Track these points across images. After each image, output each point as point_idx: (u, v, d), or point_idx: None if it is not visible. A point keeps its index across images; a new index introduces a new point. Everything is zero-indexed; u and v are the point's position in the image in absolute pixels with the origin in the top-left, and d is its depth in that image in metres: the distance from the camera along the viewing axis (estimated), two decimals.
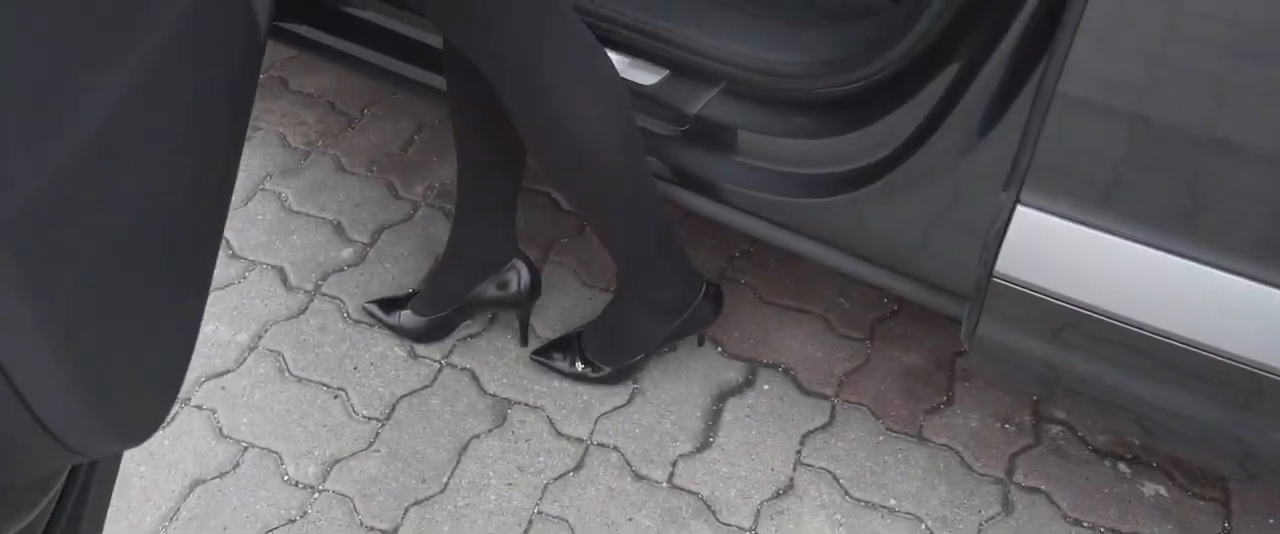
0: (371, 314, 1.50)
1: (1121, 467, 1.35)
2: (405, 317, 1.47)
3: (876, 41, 1.09)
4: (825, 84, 1.13)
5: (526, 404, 1.42)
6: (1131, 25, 0.81)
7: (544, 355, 1.46)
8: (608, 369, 1.42)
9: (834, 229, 1.18)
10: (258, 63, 1.03)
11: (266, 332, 1.51)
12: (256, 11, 0.98)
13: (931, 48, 1.04)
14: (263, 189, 1.71)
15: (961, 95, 0.99)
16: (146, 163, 0.71)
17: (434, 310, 1.44)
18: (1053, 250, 0.95)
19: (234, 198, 1.68)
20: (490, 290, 1.41)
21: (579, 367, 1.43)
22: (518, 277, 1.39)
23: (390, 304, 1.50)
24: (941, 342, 1.50)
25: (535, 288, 1.42)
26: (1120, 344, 0.96)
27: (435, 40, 1.37)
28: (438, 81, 1.39)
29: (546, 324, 1.52)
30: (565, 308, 1.54)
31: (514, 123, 1.16)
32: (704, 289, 1.38)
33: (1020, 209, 0.94)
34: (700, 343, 1.48)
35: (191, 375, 1.44)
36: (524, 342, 1.48)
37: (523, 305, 1.43)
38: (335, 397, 1.43)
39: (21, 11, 0.53)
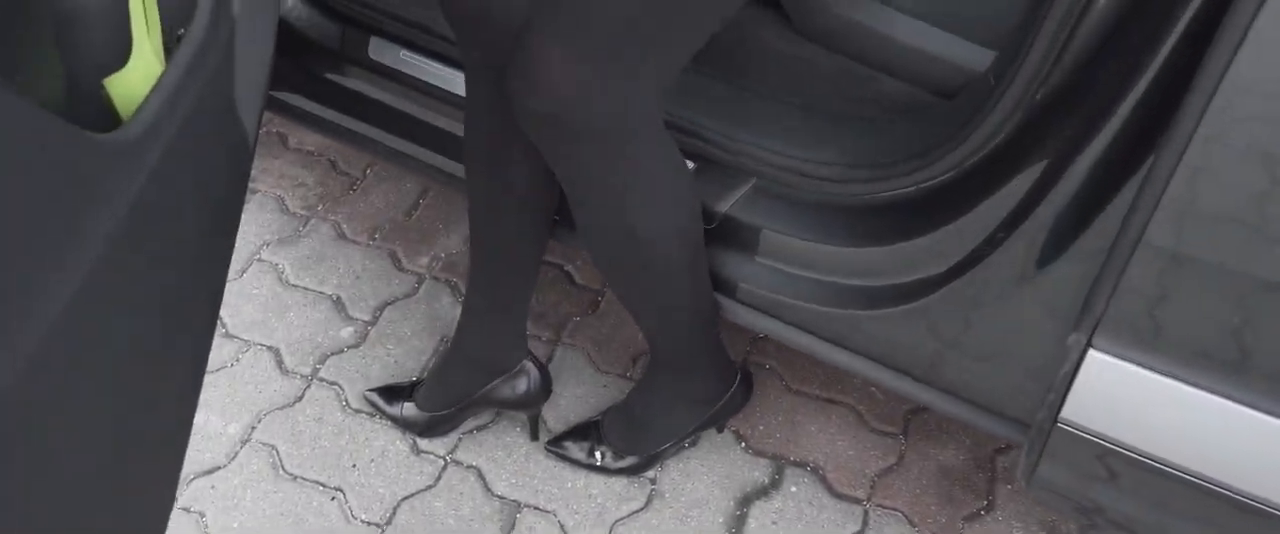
0: (372, 404, 1.41)
1: None
2: (408, 409, 1.38)
3: (922, 148, 0.99)
4: (865, 189, 1.03)
5: (537, 507, 1.33)
6: (1236, 171, 0.71)
7: (558, 446, 1.37)
8: (631, 459, 1.33)
9: (861, 341, 1.08)
10: (246, 172, 0.94)
11: (260, 422, 1.41)
12: (245, 125, 0.89)
13: (987, 161, 0.94)
14: (259, 259, 1.62)
15: (1024, 218, 0.89)
16: (112, 344, 0.63)
17: (438, 407, 1.35)
18: (1127, 399, 0.85)
19: (230, 269, 1.59)
20: (498, 391, 1.31)
21: (598, 456, 1.34)
22: (528, 379, 1.30)
23: (392, 393, 1.40)
24: (980, 438, 1.40)
25: (546, 389, 1.32)
26: (1200, 499, 0.86)
27: (431, 117, 1.28)
28: (429, 157, 1.30)
29: (557, 415, 1.42)
30: (578, 396, 1.44)
31: (571, 194, 1.06)
32: (738, 378, 1.31)
33: (1092, 353, 0.85)
34: (719, 430, 1.38)
35: (181, 473, 1.34)
36: (534, 436, 1.38)
37: (532, 406, 1.34)
38: (332, 498, 1.33)
39: None
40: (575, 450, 1.36)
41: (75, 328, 0.56)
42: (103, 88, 0.70)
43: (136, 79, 0.71)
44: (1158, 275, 0.78)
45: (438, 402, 1.35)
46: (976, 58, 1.03)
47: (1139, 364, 0.83)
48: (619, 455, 1.33)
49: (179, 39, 0.76)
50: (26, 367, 0.51)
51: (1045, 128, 0.88)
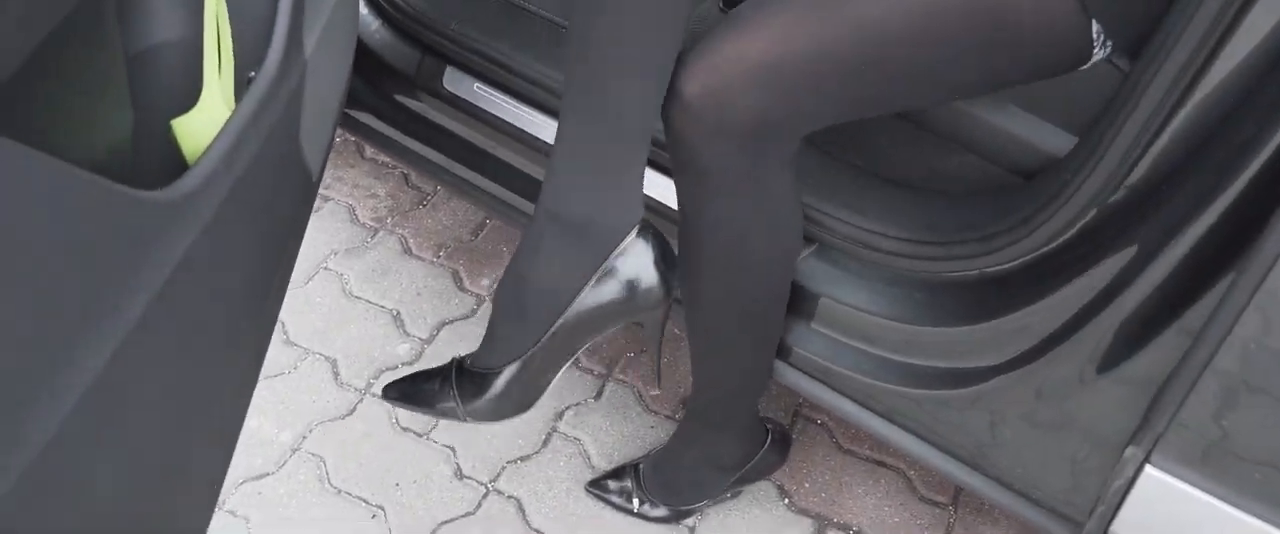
0: (605, 502, 1.35)
1: None
2: (651, 509, 1.33)
3: (991, 231, 0.96)
4: (928, 267, 1.00)
5: None
6: None
7: (598, 487, 1.36)
8: (664, 509, 1.33)
9: (911, 418, 1.06)
10: (307, 211, 0.95)
11: (311, 431, 1.44)
12: (309, 165, 0.90)
13: (1056, 254, 0.91)
14: (325, 268, 1.64)
15: (1089, 320, 0.86)
16: (156, 384, 0.64)
17: (687, 503, 1.31)
18: (1183, 520, 0.81)
19: (295, 275, 1.62)
20: (749, 474, 1.29)
21: (636, 503, 1.33)
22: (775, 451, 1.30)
23: (618, 478, 1.36)
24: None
25: (787, 447, 1.33)
26: None
27: (499, 150, 1.28)
28: (493, 188, 1.30)
29: (603, 452, 1.42)
30: (625, 435, 1.44)
31: (692, 201, 0.97)
32: (768, 440, 1.29)
33: (1149, 469, 0.81)
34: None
35: (231, 476, 1.38)
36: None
37: (775, 470, 1.33)
38: (373, 516, 1.35)
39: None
40: (613, 493, 1.35)
41: (121, 373, 0.57)
42: (169, 130, 0.71)
43: (203, 122, 0.72)
44: (1225, 400, 0.74)
45: (687, 498, 1.29)
46: (1057, 142, 0.99)
47: (1197, 486, 0.79)
48: (654, 504, 1.32)
49: (249, 81, 0.78)
50: (75, 407, 0.52)
51: (1119, 229, 0.84)
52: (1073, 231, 0.90)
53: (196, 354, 0.67)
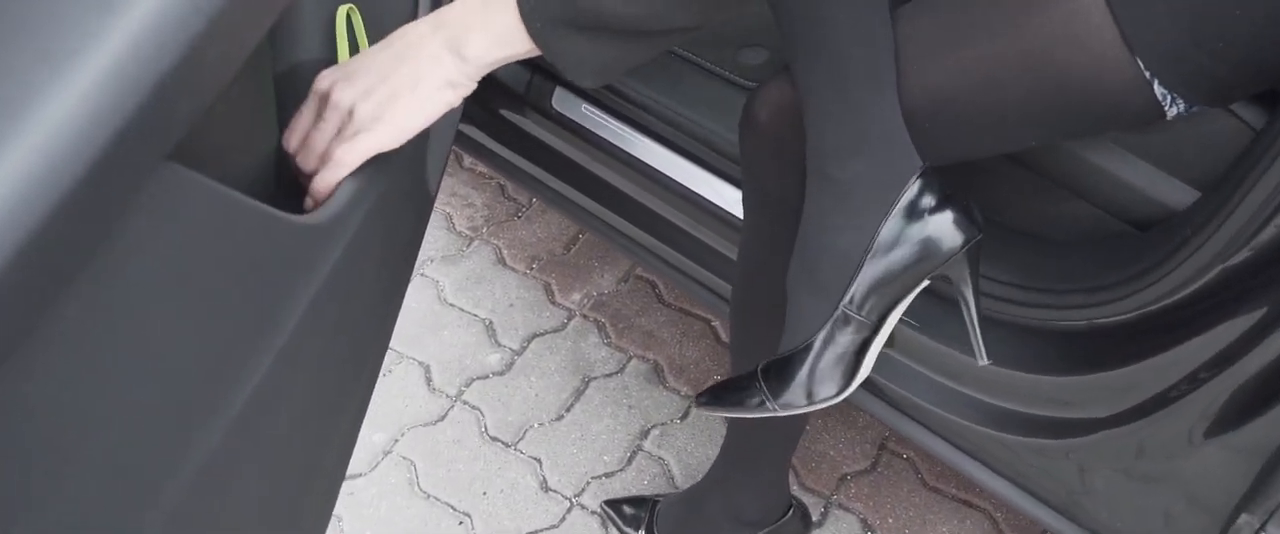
0: (609, 516, 1.36)
1: None
2: None
3: (1100, 283, 0.94)
4: (1029, 314, 0.99)
5: None
6: None
7: (613, 508, 1.36)
8: None
9: (1004, 462, 1.04)
10: (426, 220, 0.98)
11: (403, 435, 1.47)
12: (429, 187, 0.93)
13: (1169, 311, 0.89)
14: (422, 274, 1.68)
15: (1200, 382, 0.84)
16: (292, 402, 0.66)
17: None
18: None
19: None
20: None
21: None
22: (793, 529, 1.28)
23: (635, 506, 1.36)
24: None
25: (807, 530, 1.32)
26: None
27: (603, 171, 1.30)
28: (593, 206, 1.31)
29: (687, 473, 1.42)
30: (709, 457, 1.43)
31: (758, 243, 0.99)
32: (789, 512, 1.26)
33: None
34: None
35: None
36: None
37: None
38: (460, 523, 1.38)
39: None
40: (623, 519, 1.34)
41: (274, 386, 0.60)
42: None
43: None
44: None
45: None
46: (1176, 194, 0.97)
47: None
48: None
49: None
50: (235, 420, 0.55)
51: (1243, 290, 0.82)
52: (1192, 288, 0.88)
53: (332, 366, 0.69)
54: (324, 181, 0.68)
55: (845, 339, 0.86)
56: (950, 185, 0.86)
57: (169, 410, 0.49)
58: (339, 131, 0.69)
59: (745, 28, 1.30)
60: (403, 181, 0.80)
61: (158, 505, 0.49)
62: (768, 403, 0.89)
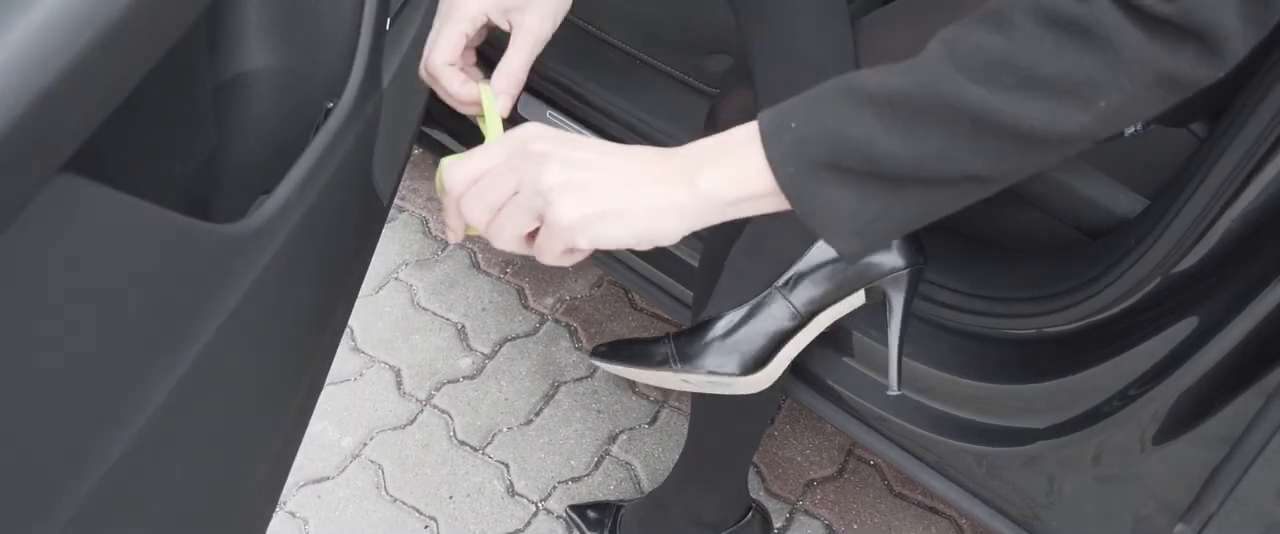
0: (573, 521, 1.37)
1: None
2: None
3: (1049, 292, 0.94)
4: (981, 323, 1.00)
5: None
6: None
7: (578, 513, 1.36)
8: None
9: (961, 471, 1.04)
10: (378, 230, 0.98)
11: (372, 439, 1.48)
12: (380, 193, 0.93)
13: (1114, 321, 0.89)
14: (396, 278, 1.69)
15: (1145, 389, 0.84)
16: (217, 406, 0.67)
17: None
18: None
19: (366, 284, 1.66)
20: None
21: None
22: (752, 531, 1.28)
23: (600, 512, 1.35)
24: None
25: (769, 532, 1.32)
26: None
27: None
28: None
29: (654, 477, 1.42)
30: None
31: (716, 250, 0.95)
32: (748, 514, 1.27)
33: None
34: None
35: (292, 477, 1.42)
36: None
37: None
38: (425, 527, 1.38)
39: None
40: (586, 524, 1.34)
41: (186, 397, 0.60)
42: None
43: None
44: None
45: None
46: (1126, 203, 0.97)
47: None
48: None
49: (328, 112, 0.81)
50: (139, 431, 0.55)
51: (1182, 300, 0.83)
52: (1136, 297, 0.88)
53: (261, 375, 0.70)
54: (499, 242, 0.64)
55: (767, 321, 0.85)
56: None
57: (65, 417, 0.49)
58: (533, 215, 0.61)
59: (710, 35, 1.30)
60: (344, 188, 0.80)
61: (53, 514, 0.49)
62: (672, 363, 0.86)
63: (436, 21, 0.78)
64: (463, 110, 0.78)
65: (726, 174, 0.58)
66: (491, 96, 0.79)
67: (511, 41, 0.75)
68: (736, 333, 0.85)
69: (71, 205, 0.46)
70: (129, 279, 0.52)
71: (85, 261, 0.49)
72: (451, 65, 0.78)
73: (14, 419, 0.46)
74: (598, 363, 0.92)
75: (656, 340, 0.89)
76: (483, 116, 0.80)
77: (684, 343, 0.87)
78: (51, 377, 0.48)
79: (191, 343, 0.58)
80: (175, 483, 0.63)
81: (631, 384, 1.54)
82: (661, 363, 0.87)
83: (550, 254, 0.62)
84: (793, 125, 0.56)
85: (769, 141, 0.56)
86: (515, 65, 0.76)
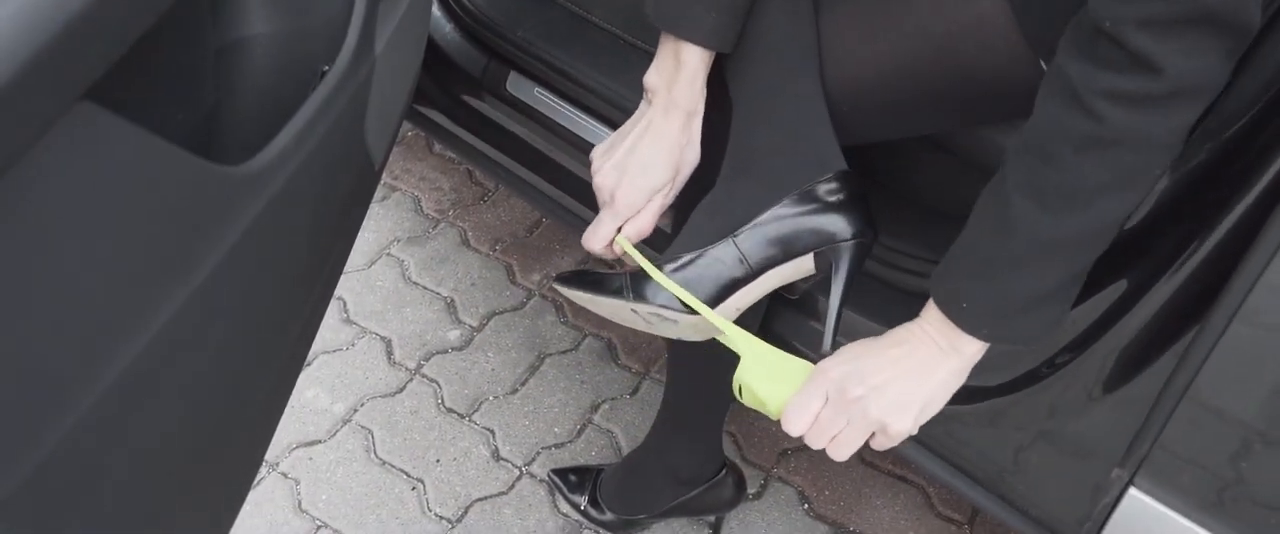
0: (555, 485, 1.42)
1: None
2: (597, 511, 1.38)
3: None
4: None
5: (600, 532, 1.39)
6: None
7: (560, 477, 1.41)
8: (611, 516, 1.37)
9: (924, 433, 1.10)
10: (369, 194, 1.04)
11: (362, 405, 1.53)
12: (372, 154, 0.99)
13: None
14: (388, 254, 1.74)
15: (1086, 347, 0.90)
16: (211, 348, 0.72)
17: (633, 511, 1.36)
18: None
19: (359, 258, 1.72)
20: (697, 500, 1.33)
21: (583, 503, 1.39)
22: (726, 488, 1.33)
23: (579, 476, 1.41)
24: None
25: (741, 491, 1.36)
26: None
27: (554, 153, 1.36)
28: (546, 188, 1.36)
29: (634, 446, 1.48)
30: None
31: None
32: (722, 472, 1.32)
33: (1132, 491, 0.85)
34: (715, 530, 1.39)
35: (285, 439, 1.48)
36: (717, 532, 1.40)
37: (726, 509, 1.37)
38: (413, 488, 1.43)
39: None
40: (568, 487, 1.40)
41: (181, 331, 0.66)
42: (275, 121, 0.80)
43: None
44: (1201, 427, 0.78)
45: (633, 506, 1.36)
46: None
47: (1177, 510, 0.83)
48: (600, 509, 1.36)
49: (322, 75, 0.86)
50: (145, 350, 0.60)
51: (1115, 264, 0.88)
52: None
53: (255, 313, 0.75)
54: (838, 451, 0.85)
55: (716, 265, 0.92)
56: (861, 189, 0.92)
57: (73, 332, 0.55)
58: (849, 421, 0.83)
59: None
60: (338, 144, 0.86)
61: (53, 427, 0.54)
62: (625, 292, 0.94)
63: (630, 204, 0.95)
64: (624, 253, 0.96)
65: (972, 349, 0.81)
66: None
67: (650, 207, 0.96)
68: (686, 271, 0.92)
69: (91, 132, 0.52)
70: (138, 205, 0.57)
71: (101, 185, 0.54)
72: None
73: (27, 329, 0.51)
74: (559, 287, 0.99)
75: (615, 273, 0.96)
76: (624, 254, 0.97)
77: (639, 277, 0.93)
78: (62, 292, 0.53)
79: (194, 272, 0.63)
80: (171, 411, 0.68)
81: (614, 356, 1.59)
82: (616, 292, 0.94)
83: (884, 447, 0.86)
84: (964, 305, 0.79)
85: (964, 324, 0.80)
86: (647, 223, 0.97)
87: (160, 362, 0.63)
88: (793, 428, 0.83)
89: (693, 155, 0.95)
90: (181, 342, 0.65)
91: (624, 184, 0.94)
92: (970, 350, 0.81)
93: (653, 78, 0.94)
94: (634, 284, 0.94)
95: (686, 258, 0.92)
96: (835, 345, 0.90)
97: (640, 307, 0.93)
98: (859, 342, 0.86)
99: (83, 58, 0.48)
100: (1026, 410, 0.98)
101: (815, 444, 0.84)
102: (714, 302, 0.92)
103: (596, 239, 0.96)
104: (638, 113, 0.97)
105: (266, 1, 0.86)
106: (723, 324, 0.89)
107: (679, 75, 0.91)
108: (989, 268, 0.77)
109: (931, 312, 0.82)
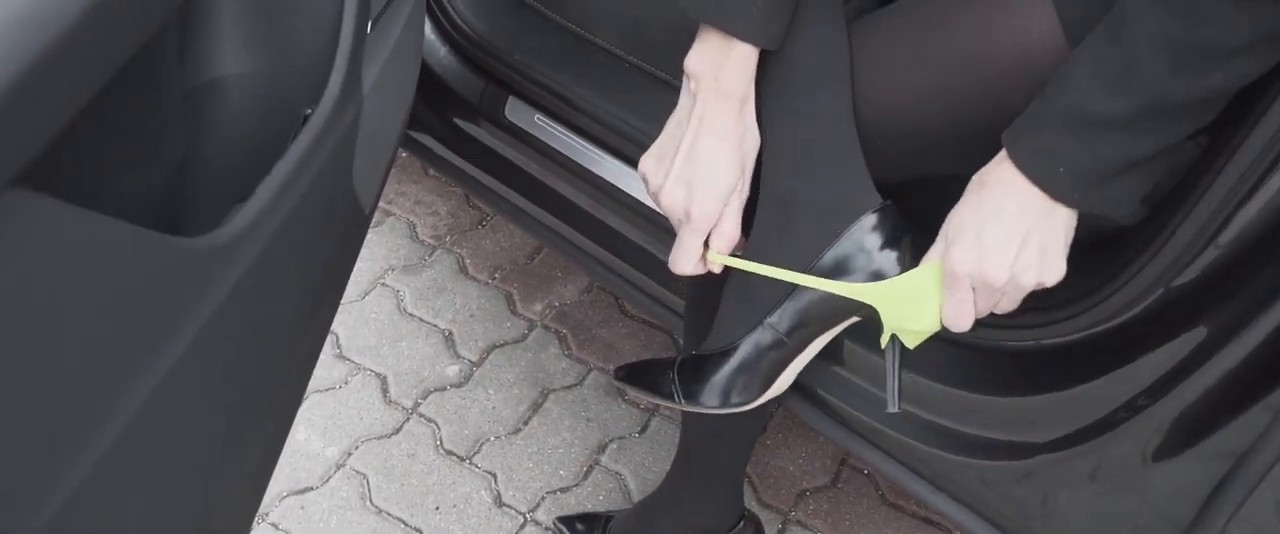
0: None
1: None
2: None
3: (1051, 303, 0.92)
4: (982, 333, 0.97)
5: None
6: None
7: (567, 526, 1.33)
8: None
9: (955, 484, 1.02)
10: (360, 240, 0.96)
11: (357, 448, 1.45)
12: (361, 201, 0.90)
13: (1115, 333, 0.87)
14: (382, 283, 1.66)
15: (1148, 405, 0.82)
16: (193, 423, 0.64)
17: None
18: None
19: (352, 290, 1.64)
20: None
21: None
22: None
23: (588, 524, 1.33)
24: None
25: None
26: None
27: (554, 182, 1.28)
28: (545, 218, 1.29)
29: (643, 488, 1.40)
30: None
31: None
32: (740, 522, 1.24)
33: None
34: None
35: (275, 487, 1.39)
36: None
37: None
38: None
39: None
40: None
41: (156, 414, 0.58)
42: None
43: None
44: None
45: None
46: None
47: None
48: None
49: (306, 118, 0.78)
50: (108, 449, 0.53)
51: (1185, 312, 0.80)
52: (1139, 309, 0.86)
53: (236, 390, 0.67)
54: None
55: (765, 353, 0.86)
56: (905, 225, 0.84)
57: (23, 437, 0.47)
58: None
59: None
60: (323, 196, 0.78)
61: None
62: (677, 398, 0.91)
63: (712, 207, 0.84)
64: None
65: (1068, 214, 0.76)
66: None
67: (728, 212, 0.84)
68: (737, 368, 0.87)
69: (21, 221, 0.44)
70: (88, 296, 0.49)
71: (40, 279, 0.46)
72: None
73: None
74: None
75: (662, 374, 0.93)
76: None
77: (687, 381, 0.90)
78: (7, 396, 0.45)
79: (161, 359, 0.55)
80: (146, 504, 0.60)
81: (622, 392, 1.51)
82: (667, 396, 0.92)
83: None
84: (1060, 170, 0.73)
85: (1053, 189, 0.74)
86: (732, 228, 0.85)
87: (127, 461, 0.55)
88: (960, 328, 0.80)
89: (754, 139, 0.84)
90: (150, 437, 0.57)
91: (695, 197, 0.82)
92: (1068, 212, 0.76)
93: (695, 63, 0.82)
94: (684, 389, 0.89)
95: (725, 363, 0.87)
96: (900, 399, 0.87)
97: (693, 409, 0.90)
98: (956, 214, 0.79)
99: (9, 143, 0.40)
100: (1079, 468, 0.90)
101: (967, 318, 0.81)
102: (764, 386, 0.86)
103: (686, 261, 0.85)
104: (680, 106, 0.85)
105: (241, 38, 0.78)
106: (836, 287, 0.82)
107: (728, 58, 0.80)
108: (1090, 129, 0.71)
109: (1009, 172, 0.75)
